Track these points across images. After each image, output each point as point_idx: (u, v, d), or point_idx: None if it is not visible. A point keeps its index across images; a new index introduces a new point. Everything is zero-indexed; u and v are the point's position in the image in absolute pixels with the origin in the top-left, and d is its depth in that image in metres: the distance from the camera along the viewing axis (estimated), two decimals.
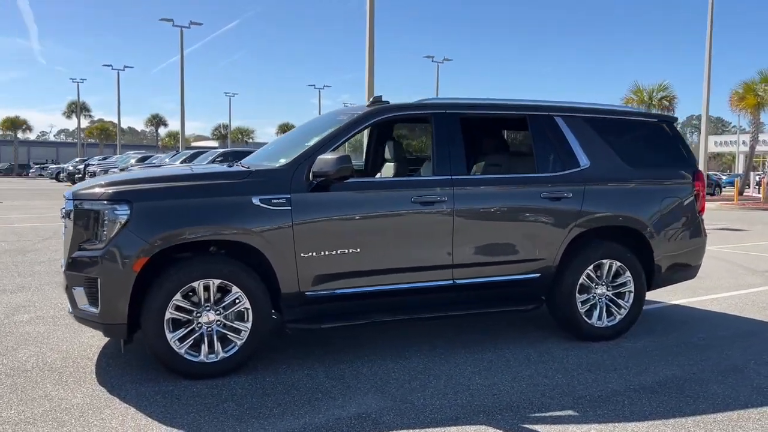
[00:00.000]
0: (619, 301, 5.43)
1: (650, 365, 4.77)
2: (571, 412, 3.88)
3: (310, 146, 4.74)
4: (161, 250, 4.21)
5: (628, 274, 5.40)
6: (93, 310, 4.24)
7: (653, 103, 33.55)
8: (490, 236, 4.99)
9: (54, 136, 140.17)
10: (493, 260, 5.02)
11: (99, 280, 4.16)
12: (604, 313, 5.38)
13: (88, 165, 35.27)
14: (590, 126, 5.45)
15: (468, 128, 5.43)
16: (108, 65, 73.45)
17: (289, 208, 4.43)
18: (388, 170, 5.71)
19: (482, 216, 4.96)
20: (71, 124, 74.62)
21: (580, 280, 5.26)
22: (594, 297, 5.36)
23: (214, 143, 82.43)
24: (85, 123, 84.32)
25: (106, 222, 4.17)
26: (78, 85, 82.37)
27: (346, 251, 4.59)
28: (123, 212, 4.15)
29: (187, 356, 4.29)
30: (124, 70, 62.58)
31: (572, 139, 5.33)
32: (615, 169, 5.42)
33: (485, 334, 5.54)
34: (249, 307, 4.39)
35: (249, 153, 7.61)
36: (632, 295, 5.44)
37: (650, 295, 7.04)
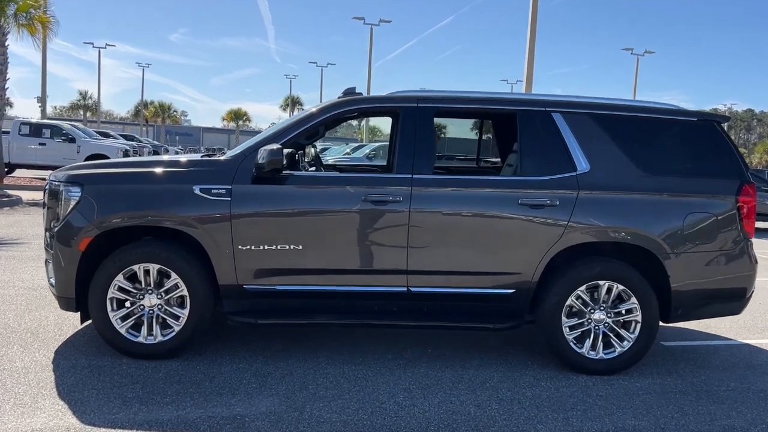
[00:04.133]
0: (622, 332, 4.61)
1: (617, 412, 3.99)
2: None
3: (263, 137, 4.68)
4: (113, 231, 4.44)
5: (634, 300, 4.56)
6: (53, 282, 4.60)
7: None
8: (452, 243, 4.51)
9: None
10: (455, 269, 4.54)
11: (54, 255, 4.49)
12: (600, 343, 4.61)
13: None
14: (599, 125, 4.67)
15: (445, 125, 4.95)
16: (313, 62, 79.11)
17: (229, 199, 4.40)
18: None
19: (443, 220, 4.50)
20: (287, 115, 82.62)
21: (568, 302, 4.55)
22: (589, 323, 4.61)
23: None
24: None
25: (63, 202, 4.49)
26: (291, 81, 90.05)
27: (288, 247, 4.45)
28: (75, 194, 4.43)
29: (127, 335, 4.48)
30: (327, 66, 67.51)
31: (571, 139, 4.62)
32: (624, 175, 4.59)
33: (461, 350, 5.04)
34: (186, 294, 4.46)
35: None
36: (639, 325, 4.58)
37: (717, 329, 5.94)
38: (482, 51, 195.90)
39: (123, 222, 4.41)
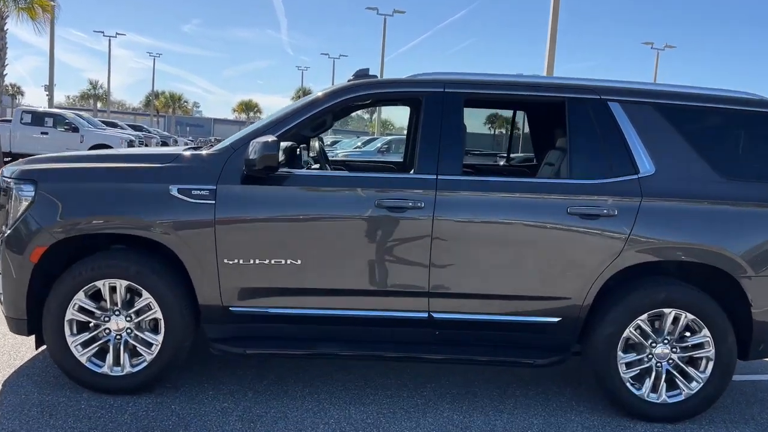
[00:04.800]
0: (690, 370, 3.77)
1: None
2: None
3: (257, 127, 3.87)
4: (73, 239, 3.67)
5: (705, 332, 3.72)
6: (2, 300, 3.83)
7: None
8: (485, 260, 3.69)
9: None
10: (487, 292, 3.71)
11: (4, 266, 3.72)
12: (663, 384, 3.77)
13: None
14: (666, 118, 3.82)
15: (477, 115, 4.11)
16: (325, 54, 78.44)
17: (213, 202, 3.60)
18: None
19: (474, 231, 3.68)
20: None
21: (626, 333, 3.72)
22: (649, 359, 3.77)
23: None
24: None
25: (13, 203, 3.71)
26: (302, 73, 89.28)
27: (283, 262, 3.65)
28: (28, 193, 3.65)
29: (88, 365, 3.70)
30: (339, 58, 66.71)
31: (632, 134, 3.77)
32: (696, 180, 3.74)
33: (491, 387, 4.21)
34: (161, 317, 3.67)
35: None
36: (711, 363, 3.75)
37: None
38: (495, 45, 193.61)
39: (83, 229, 3.62)
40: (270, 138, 3.51)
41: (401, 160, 5.76)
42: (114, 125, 29.90)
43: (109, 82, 54.94)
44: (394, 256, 3.68)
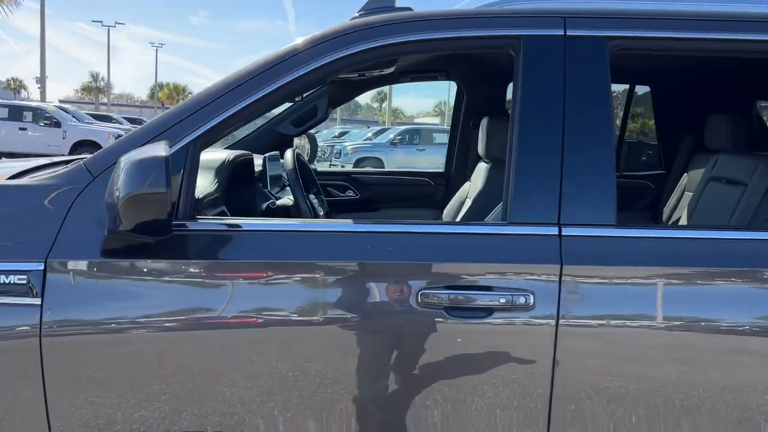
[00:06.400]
0: None
1: None
2: None
3: (145, 128, 1.75)
4: None
5: None
6: None
7: None
8: (676, 412, 1.59)
9: None
10: None
11: None
12: None
13: None
14: None
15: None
16: None
17: (38, 301, 1.52)
18: (477, 184, 2.50)
19: (653, 350, 1.57)
20: None
21: None
22: None
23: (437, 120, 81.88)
24: None
25: None
26: None
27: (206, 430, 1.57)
28: None
29: None
30: None
31: None
32: None
33: None
34: None
35: None
36: None
37: None
38: None
39: None
40: (157, 152, 1.41)
41: (442, 170, 3.58)
42: (109, 119, 28.09)
43: (108, 73, 53.14)
44: (464, 411, 1.59)
